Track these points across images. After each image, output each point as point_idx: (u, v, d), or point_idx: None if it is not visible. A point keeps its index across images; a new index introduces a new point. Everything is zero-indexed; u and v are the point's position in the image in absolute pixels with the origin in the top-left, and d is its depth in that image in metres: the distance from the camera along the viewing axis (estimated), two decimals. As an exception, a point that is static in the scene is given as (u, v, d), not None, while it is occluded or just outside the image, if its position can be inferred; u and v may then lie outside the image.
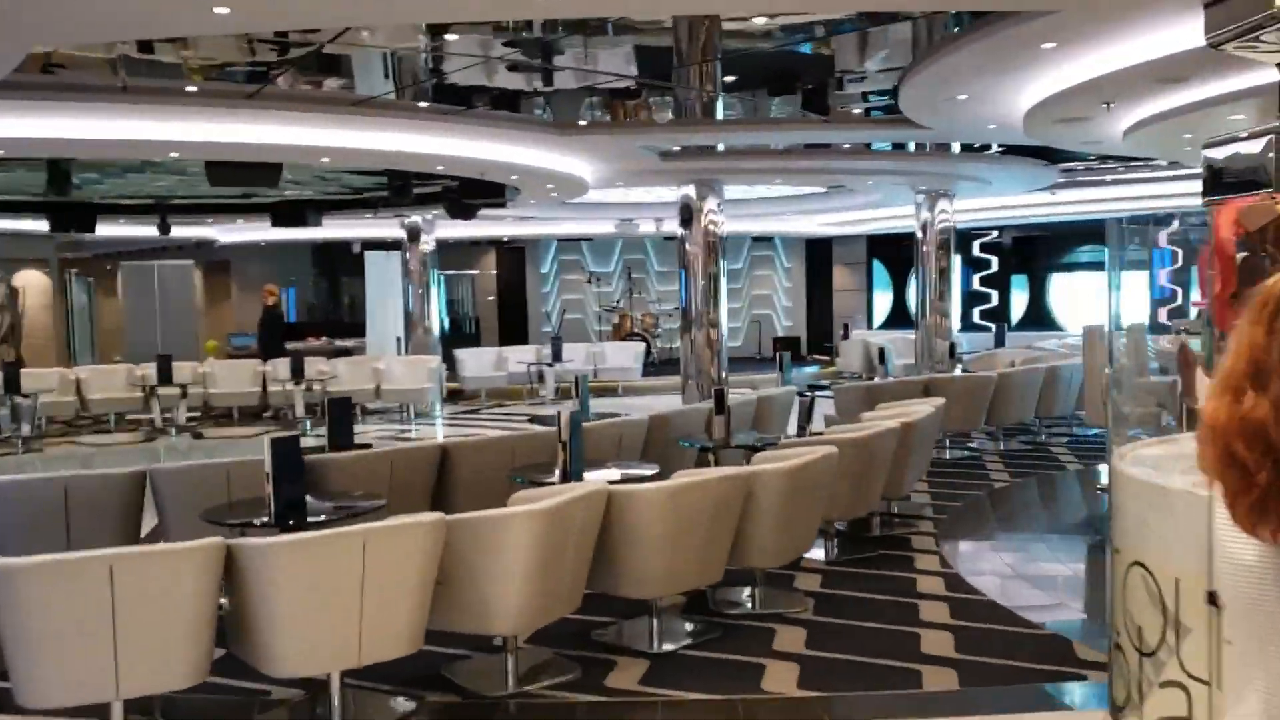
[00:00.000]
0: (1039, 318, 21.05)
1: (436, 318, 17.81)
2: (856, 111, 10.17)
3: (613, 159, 11.26)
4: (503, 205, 13.54)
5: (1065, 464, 10.67)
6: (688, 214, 12.57)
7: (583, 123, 9.64)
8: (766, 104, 10.36)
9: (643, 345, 19.97)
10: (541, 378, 17.94)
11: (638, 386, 19.16)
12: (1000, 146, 11.64)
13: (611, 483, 5.79)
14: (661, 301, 23.99)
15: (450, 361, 17.62)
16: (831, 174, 12.70)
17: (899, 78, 7.51)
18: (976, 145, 11.88)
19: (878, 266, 23.88)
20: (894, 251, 23.37)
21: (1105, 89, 6.65)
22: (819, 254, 24.58)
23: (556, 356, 17.76)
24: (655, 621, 5.65)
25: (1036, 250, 21.25)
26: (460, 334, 22.86)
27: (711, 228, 12.62)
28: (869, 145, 11.95)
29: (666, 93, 9.85)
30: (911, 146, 12.17)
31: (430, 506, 6.96)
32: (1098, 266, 20.78)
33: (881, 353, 12.26)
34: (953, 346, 13.65)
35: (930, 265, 14.53)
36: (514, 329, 24.27)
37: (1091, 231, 20.41)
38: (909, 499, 8.54)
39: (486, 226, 21.11)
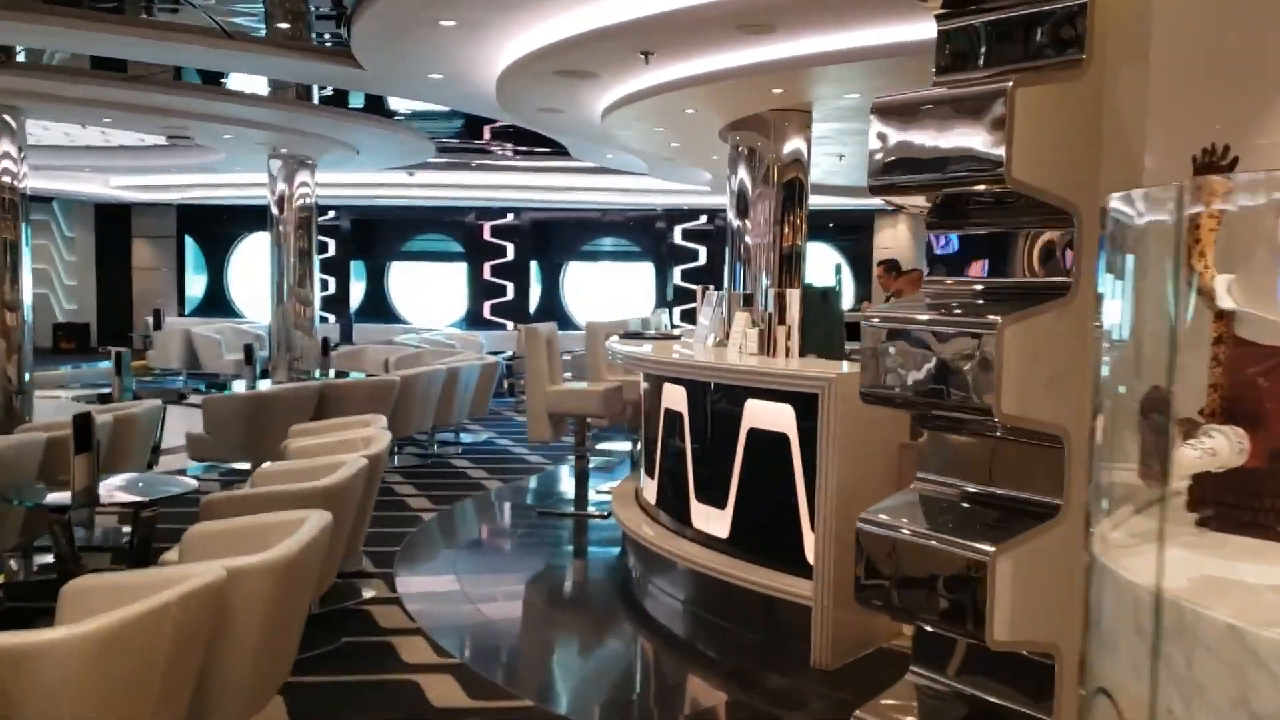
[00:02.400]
0: (380, 308, 19.68)
1: None
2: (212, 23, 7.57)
3: None
4: None
5: (479, 480, 9.35)
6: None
7: None
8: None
9: None
10: None
11: None
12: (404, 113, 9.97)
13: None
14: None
15: None
16: (176, 117, 9.84)
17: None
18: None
19: (190, 243, 20.56)
20: (210, 226, 20.34)
21: (660, 30, 5.31)
22: (113, 224, 20.47)
23: None
24: None
25: (377, 235, 19.80)
26: None
27: (8, 179, 9.13)
28: (220, 78, 9.40)
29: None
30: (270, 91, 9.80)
31: None
32: (438, 256, 20.08)
33: (249, 351, 9.81)
34: (326, 342, 11.62)
35: (289, 246, 12.32)
36: None
37: (432, 219, 19.59)
38: (343, 550, 6.50)
39: None
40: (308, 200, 12.38)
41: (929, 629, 3.69)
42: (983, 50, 3.72)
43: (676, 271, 18.62)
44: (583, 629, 5.89)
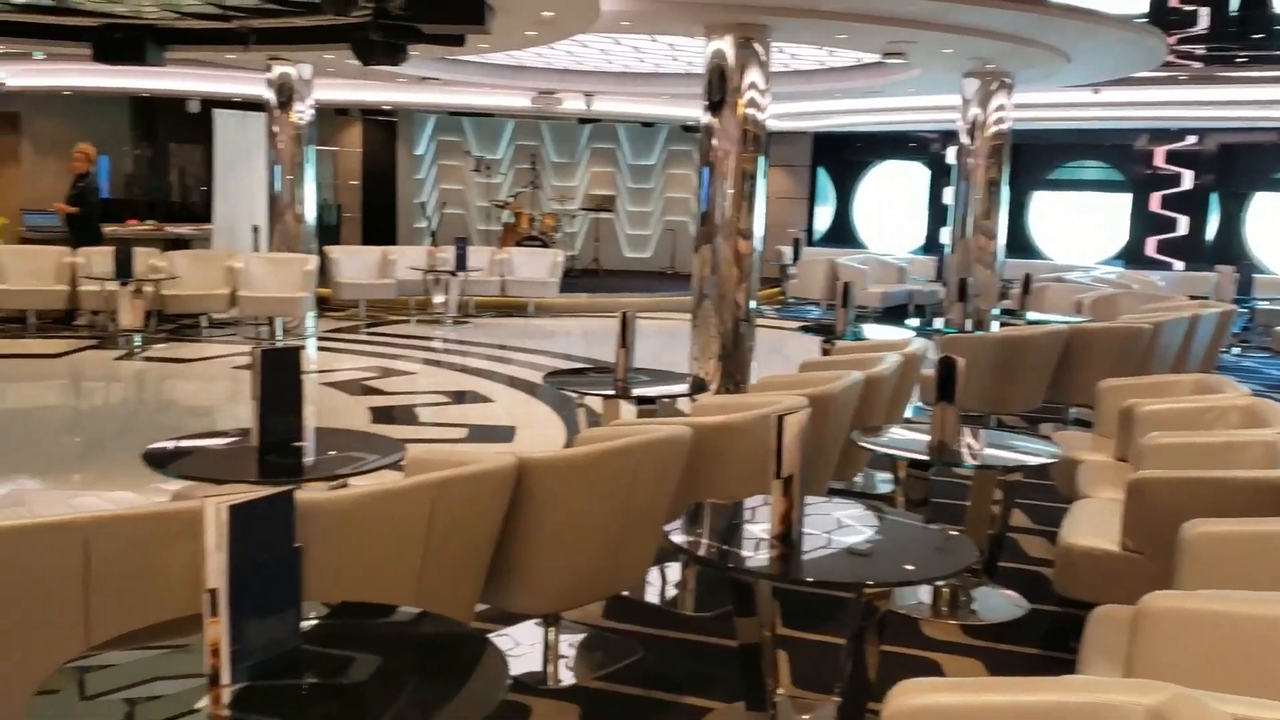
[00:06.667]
0: (1018, 243, 18.34)
1: (311, 205, 13.50)
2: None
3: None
4: (461, 42, 9.39)
5: None
6: (720, 88, 8.82)
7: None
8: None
9: (559, 255, 16.05)
10: (440, 286, 14.09)
11: (554, 305, 15.48)
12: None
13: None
14: (563, 200, 19.96)
15: (322, 262, 13.52)
16: (895, 24, 9.09)
17: None
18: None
19: (821, 173, 20.63)
20: (840, 154, 20.24)
21: None
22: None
23: (461, 263, 13.93)
24: None
25: (1018, 164, 18.26)
26: (320, 226, 18.40)
27: (753, 112, 8.92)
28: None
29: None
30: None
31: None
32: (1090, 185, 18.32)
33: (964, 286, 9.14)
34: (1028, 279, 10.71)
35: (978, 176, 11.48)
36: (382, 223, 19.88)
37: (1085, 143, 17.74)
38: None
39: (354, 88, 16.63)
40: (1003, 127, 11.41)
41: None
42: None
43: None
44: None
